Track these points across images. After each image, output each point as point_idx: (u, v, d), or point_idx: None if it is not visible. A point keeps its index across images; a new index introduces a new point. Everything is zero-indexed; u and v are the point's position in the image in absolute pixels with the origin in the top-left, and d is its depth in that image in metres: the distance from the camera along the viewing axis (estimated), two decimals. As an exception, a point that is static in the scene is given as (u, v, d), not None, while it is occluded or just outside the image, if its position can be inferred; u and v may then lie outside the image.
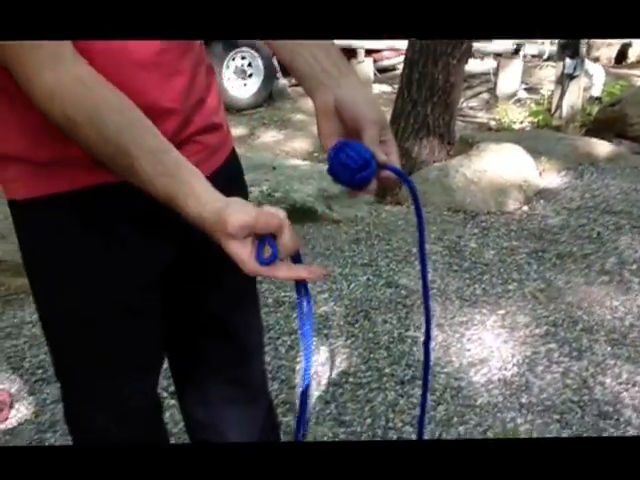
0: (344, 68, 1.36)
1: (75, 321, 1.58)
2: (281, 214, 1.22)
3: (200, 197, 1.22)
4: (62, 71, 1.19)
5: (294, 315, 3.80)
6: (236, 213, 1.20)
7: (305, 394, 1.36)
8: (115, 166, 1.25)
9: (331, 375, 3.33)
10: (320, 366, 3.39)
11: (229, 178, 1.67)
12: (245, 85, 10.02)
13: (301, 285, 1.30)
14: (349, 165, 1.24)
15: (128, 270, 1.54)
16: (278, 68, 10.14)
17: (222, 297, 1.78)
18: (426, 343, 1.54)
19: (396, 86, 6.47)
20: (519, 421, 2.97)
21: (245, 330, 1.90)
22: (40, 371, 3.40)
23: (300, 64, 1.37)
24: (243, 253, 1.21)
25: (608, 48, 12.90)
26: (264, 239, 1.22)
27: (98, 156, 1.26)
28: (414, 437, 2.88)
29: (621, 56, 13.02)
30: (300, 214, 4.98)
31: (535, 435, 2.89)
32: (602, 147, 6.21)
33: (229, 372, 1.90)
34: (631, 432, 2.89)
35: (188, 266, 1.69)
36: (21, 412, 3.17)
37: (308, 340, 1.30)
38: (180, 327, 1.83)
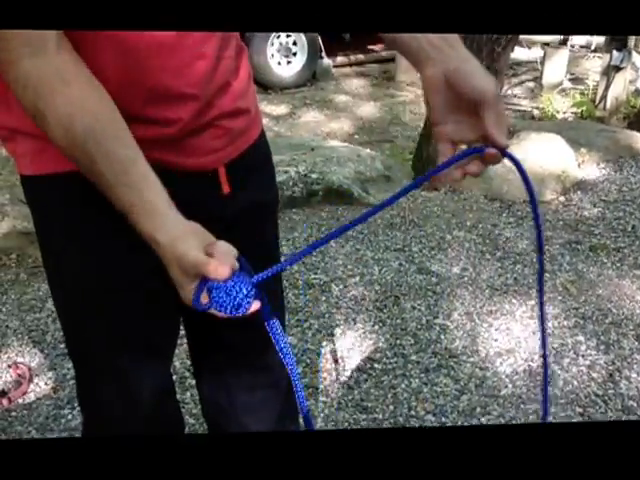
0: (451, 39, 1.27)
1: (83, 301, 1.57)
2: (232, 259, 1.21)
3: (157, 219, 1.22)
4: (42, 61, 1.17)
5: (323, 298, 3.81)
6: (192, 249, 1.20)
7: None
8: (79, 165, 1.25)
9: (356, 360, 3.34)
10: (346, 351, 3.40)
11: (254, 162, 1.67)
12: (289, 63, 9.99)
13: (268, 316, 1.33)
14: (222, 309, 1.23)
15: (138, 252, 1.52)
16: (322, 47, 10.12)
17: None
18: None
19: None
20: (542, 413, 2.96)
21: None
22: (62, 346, 3.37)
23: (404, 37, 1.29)
24: (187, 284, 1.22)
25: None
26: (206, 283, 1.20)
27: (62, 151, 1.25)
28: (436, 426, 2.89)
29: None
30: (336, 196, 4.99)
31: (557, 428, 2.88)
32: (643, 141, 6.14)
33: (248, 356, 1.89)
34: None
35: None
36: (40, 387, 3.18)
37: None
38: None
